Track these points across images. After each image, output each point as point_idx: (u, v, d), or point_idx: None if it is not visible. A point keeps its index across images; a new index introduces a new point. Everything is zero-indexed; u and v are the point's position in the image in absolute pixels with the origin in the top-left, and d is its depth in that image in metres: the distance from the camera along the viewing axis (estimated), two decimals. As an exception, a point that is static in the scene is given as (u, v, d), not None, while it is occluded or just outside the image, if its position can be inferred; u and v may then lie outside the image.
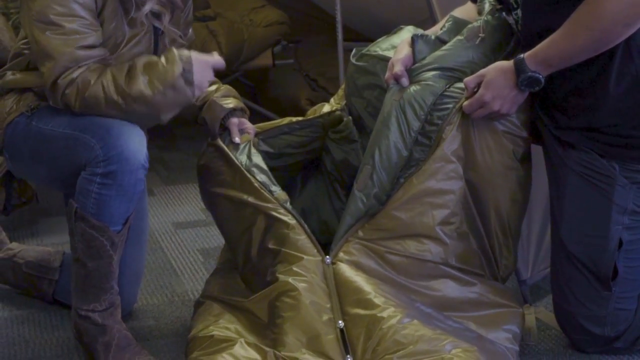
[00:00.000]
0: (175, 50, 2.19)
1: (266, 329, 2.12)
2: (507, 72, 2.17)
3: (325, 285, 2.13)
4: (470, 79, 2.22)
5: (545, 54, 2.14)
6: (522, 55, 2.16)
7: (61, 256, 2.63)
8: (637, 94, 2.17)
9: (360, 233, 2.21)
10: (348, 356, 2.01)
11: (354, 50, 2.52)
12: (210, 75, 2.24)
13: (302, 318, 2.06)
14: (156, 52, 2.33)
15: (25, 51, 2.33)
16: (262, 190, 2.27)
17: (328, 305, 2.09)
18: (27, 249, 2.71)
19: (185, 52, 2.20)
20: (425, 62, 2.33)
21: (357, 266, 2.17)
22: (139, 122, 2.22)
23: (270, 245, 2.22)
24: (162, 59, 2.18)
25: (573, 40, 2.11)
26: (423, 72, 2.30)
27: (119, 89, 2.15)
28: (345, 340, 2.03)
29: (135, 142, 2.15)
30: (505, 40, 2.34)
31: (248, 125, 2.47)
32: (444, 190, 2.21)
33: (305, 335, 2.03)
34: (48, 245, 2.84)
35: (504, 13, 2.35)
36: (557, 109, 2.25)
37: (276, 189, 2.29)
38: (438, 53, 2.34)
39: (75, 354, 2.39)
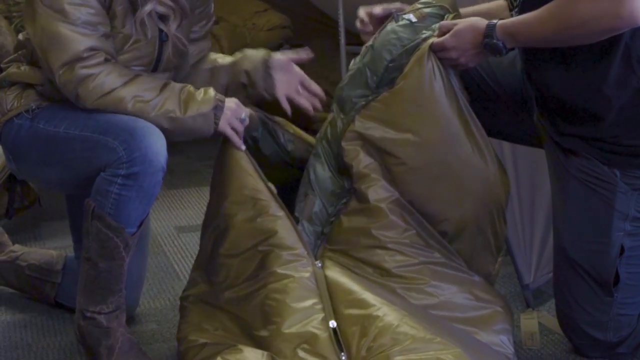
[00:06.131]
0: (211, 89, 2.25)
1: (257, 332, 2.10)
2: (476, 30, 2.19)
3: (316, 286, 2.13)
4: (445, 23, 2.25)
5: (515, 29, 2.16)
6: (495, 21, 2.18)
7: (64, 259, 2.64)
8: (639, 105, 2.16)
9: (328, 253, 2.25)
10: (342, 354, 2.00)
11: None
12: (238, 123, 2.25)
13: (294, 321, 2.05)
14: (159, 61, 2.32)
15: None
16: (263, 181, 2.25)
17: (319, 307, 2.09)
18: (30, 252, 2.71)
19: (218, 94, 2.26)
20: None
21: (345, 268, 2.20)
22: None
23: (259, 239, 2.20)
24: (200, 91, 2.23)
25: (541, 26, 2.12)
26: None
27: (146, 99, 2.18)
28: (338, 338, 2.02)
29: (157, 144, 2.15)
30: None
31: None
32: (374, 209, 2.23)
33: (299, 338, 2.02)
34: (51, 249, 2.84)
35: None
36: (558, 116, 2.25)
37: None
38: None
39: (77, 358, 2.39)
